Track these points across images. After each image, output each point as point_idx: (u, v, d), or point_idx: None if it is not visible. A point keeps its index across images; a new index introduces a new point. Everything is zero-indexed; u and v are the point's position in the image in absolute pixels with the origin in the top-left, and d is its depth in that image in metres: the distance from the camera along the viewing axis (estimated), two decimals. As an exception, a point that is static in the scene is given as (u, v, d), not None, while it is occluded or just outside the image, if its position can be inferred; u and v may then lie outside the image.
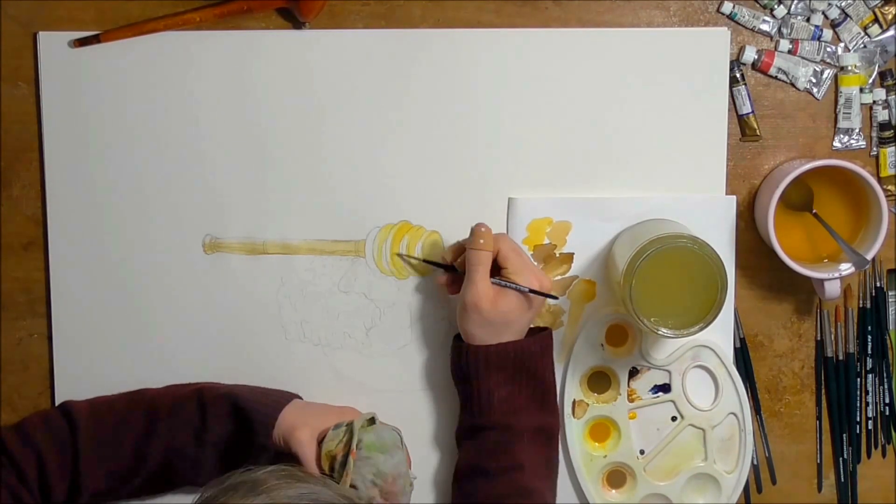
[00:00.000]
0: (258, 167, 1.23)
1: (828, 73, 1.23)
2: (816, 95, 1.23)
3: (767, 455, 1.27)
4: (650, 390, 1.25)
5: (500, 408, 1.17)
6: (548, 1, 1.22)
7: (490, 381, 1.17)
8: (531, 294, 1.16)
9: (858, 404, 1.26)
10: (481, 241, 1.16)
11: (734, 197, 1.23)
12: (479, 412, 1.18)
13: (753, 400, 1.26)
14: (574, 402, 1.25)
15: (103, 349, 1.24)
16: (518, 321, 1.17)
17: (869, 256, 1.19)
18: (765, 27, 1.22)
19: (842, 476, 1.27)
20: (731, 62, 1.22)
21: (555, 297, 1.20)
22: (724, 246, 1.21)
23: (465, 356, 1.18)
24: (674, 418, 1.25)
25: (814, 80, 1.23)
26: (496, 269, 1.17)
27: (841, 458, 1.27)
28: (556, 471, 1.22)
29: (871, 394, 1.26)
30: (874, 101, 1.23)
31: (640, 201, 1.23)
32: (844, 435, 1.27)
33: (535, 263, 1.21)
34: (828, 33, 1.23)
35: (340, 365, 1.25)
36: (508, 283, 1.16)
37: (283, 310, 1.24)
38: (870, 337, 1.25)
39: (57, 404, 1.22)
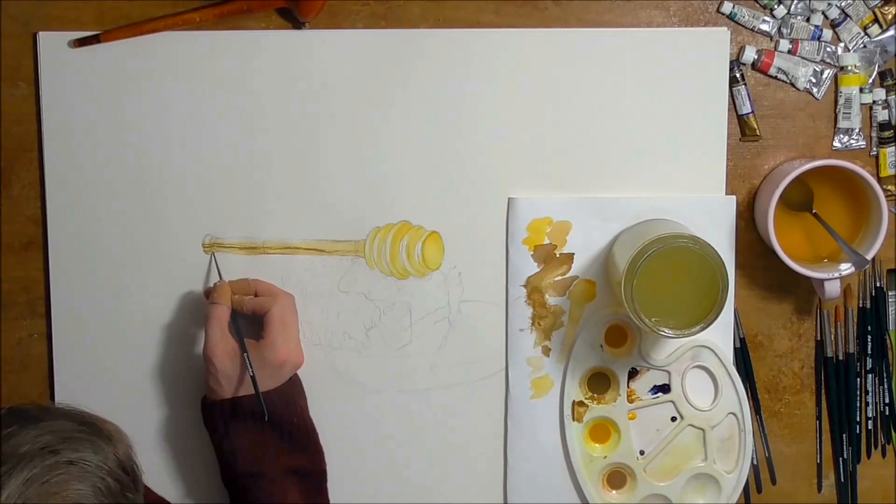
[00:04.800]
0: (258, 167, 1.23)
1: (828, 73, 1.23)
2: (816, 95, 1.23)
3: (767, 455, 1.27)
4: (650, 391, 1.25)
5: (244, 458, 1.17)
6: (548, 1, 1.22)
7: (230, 433, 1.17)
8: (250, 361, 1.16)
9: (858, 404, 1.26)
10: (215, 294, 1.18)
11: (734, 197, 1.23)
12: (226, 464, 1.18)
13: (753, 400, 1.26)
14: (574, 403, 1.25)
15: (103, 349, 1.24)
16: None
17: (869, 256, 1.19)
18: (765, 27, 1.22)
19: (842, 476, 1.27)
20: (731, 62, 1.22)
21: (263, 414, 1.15)
22: (724, 246, 1.21)
23: (204, 411, 1.19)
24: (673, 419, 1.25)
25: (814, 80, 1.23)
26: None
27: (841, 458, 1.27)
28: None
29: (871, 394, 1.26)
30: (874, 101, 1.23)
31: (640, 201, 1.23)
32: (844, 435, 1.27)
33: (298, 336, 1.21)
34: (828, 33, 1.23)
35: (340, 365, 1.25)
36: (245, 349, 1.16)
37: (283, 310, 1.24)
38: (870, 337, 1.25)
39: None
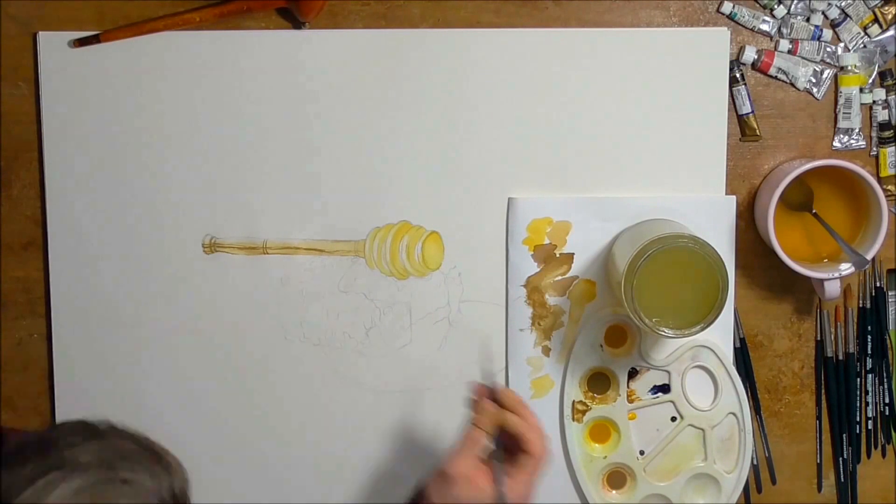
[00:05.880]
0: (258, 167, 1.23)
1: (828, 73, 1.23)
2: (816, 95, 1.23)
3: (767, 455, 1.27)
4: (650, 391, 1.25)
5: None
6: (548, 1, 1.22)
7: None
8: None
9: (858, 404, 1.26)
10: (484, 419, 1.06)
11: (734, 197, 1.23)
12: None
13: (753, 400, 1.26)
14: (574, 403, 1.25)
15: (103, 349, 1.24)
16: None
17: (869, 256, 1.19)
18: (765, 27, 1.22)
19: (842, 476, 1.27)
20: (731, 62, 1.22)
21: None
22: (724, 246, 1.21)
23: None
24: (673, 419, 1.25)
25: (814, 80, 1.23)
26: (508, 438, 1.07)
27: (841, 458, 1.27)
28: None
29: (871, 394, 1.26)
30: (874, 101, 1.23)
31: (640, 201, 1.23)
32: (844, 435, 1.27)
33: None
34: (828, 33, 1.23)
35: (340, 365, 1.25)
36: (500, 481, 1.05)
37: (282, 310, 1.24)
38: (870, 337, 1.25)
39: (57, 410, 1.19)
